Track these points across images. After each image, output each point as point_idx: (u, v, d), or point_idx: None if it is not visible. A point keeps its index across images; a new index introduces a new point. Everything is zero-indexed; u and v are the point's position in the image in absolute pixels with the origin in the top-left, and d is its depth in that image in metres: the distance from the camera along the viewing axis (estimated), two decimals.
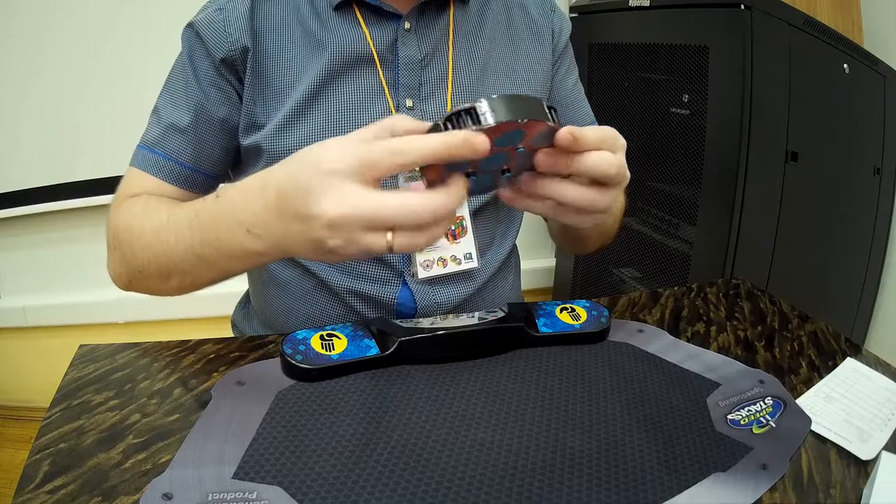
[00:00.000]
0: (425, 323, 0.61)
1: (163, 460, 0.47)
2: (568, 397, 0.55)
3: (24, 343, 1.77)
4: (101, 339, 0.65)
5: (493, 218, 0.77)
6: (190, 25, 0.67)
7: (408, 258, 0.72)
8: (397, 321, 0.61)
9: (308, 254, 0.47)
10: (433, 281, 0.73)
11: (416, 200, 0.43)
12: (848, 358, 0.64)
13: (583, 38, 1.53)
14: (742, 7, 1.12)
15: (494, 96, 0.43)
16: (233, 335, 0.86)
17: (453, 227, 0.72)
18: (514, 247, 0.84)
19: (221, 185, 0.56)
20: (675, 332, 0.68)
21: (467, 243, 0.73)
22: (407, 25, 0.68)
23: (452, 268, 0.72)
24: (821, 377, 0.61)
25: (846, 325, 1.55)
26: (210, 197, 0.54)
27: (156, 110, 0.70)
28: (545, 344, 0.62)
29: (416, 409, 0.53)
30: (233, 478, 0.44)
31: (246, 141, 0.69)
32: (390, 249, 0.44)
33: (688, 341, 0.66)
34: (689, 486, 0.46)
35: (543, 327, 0.63)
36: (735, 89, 1.15)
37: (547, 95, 0.79)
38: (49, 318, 1.73)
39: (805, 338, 0.69)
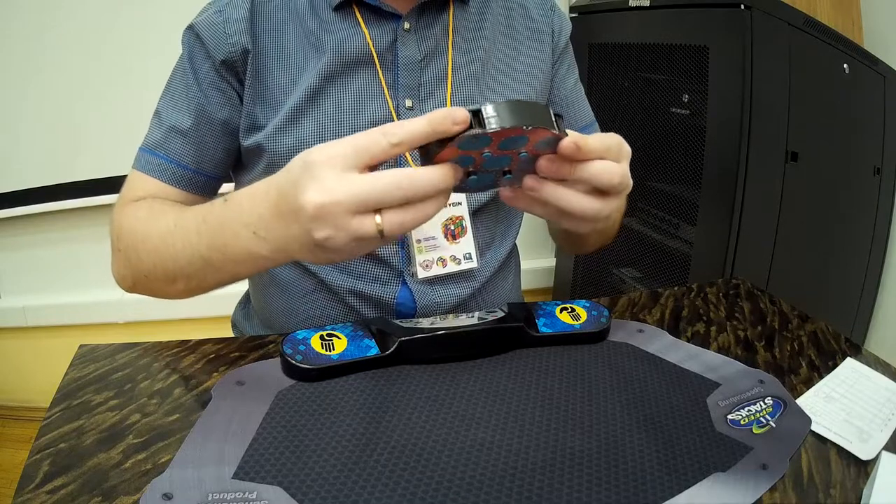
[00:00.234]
0: (425, 323, 0.61)
1: (163, 460, 0.47)
2: (568, 397, 0.55)
3: (24, 343, 1.77)
4: (101, 339, 0.65)
5: (492, 218, 0.77)
6: (190, 27, 0.68)
7: (407, 258, 0.72)
8: (397, 321, 0.61)
9: (308, 254, 0.47)
10: (433, 281, 0.73)
11: (399, 174, 0.43)
12: (848, 358, 0.64)
13: (583, 38, 1.53)
14: (742, 7, 1.12)
15: (501, 101, 0.43)
16: (233, 335, 0.86)
17: (453, 227, 0.72)
18: (514, 247, 0.84)
19: (230, 191, 0.56)
20: (675, 332, 0.68)
21: (467, 243, 0.73)
22: (406, 26, 0.68)
23: (452, 268, 0.72)
24: (821, 377, 0.61)
25: (846, 325, 1.55)
26: (218, 201, 0.54)
27: (157, 113, 0.70)
28: (545, 344, 0.62)
29: (416, 409, 0.53)
30: (233, 478, 0.44)
31: (247, 142, 0.69)
32: (381, 233, 0.44)
33: (688, 341, 0.66)
34: (689, 486, 0.46)
35: (543, 327, 0.63)
36: (735, 89, 1.15)
37: (547, 95, 0.79)
38: (49, 318, 1.73)
39: (805, 338, 0.69)
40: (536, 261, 1.95)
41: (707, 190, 1.26)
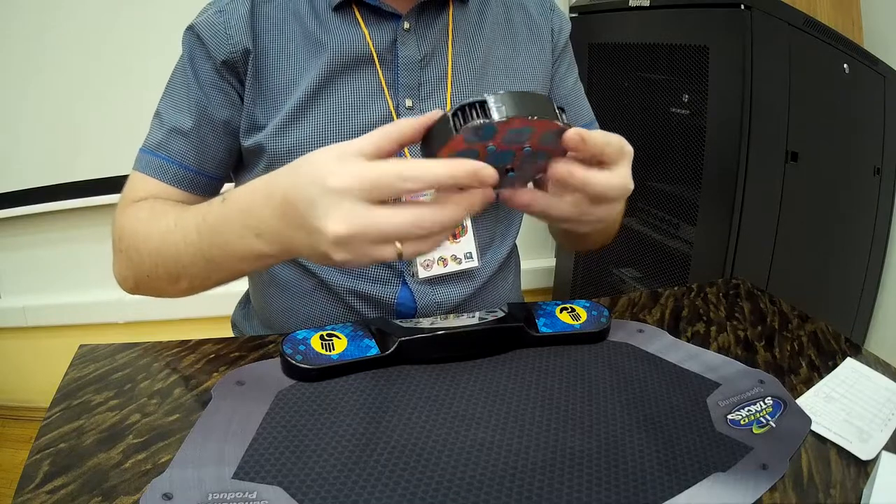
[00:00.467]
0: (425, 323, 0.61)
1: (163, 460, 0.47)
2: (568, 397, 0.55)
3: (24, 343, 1.77)
4: (101, 339, 0.65)
5: (493, 217, 0.77)
6: (190, 28, 0.68)
7: None
8: (397, 321, 0.61)
9: (312, 259, 0.48)
10: (433, 280, 0.73)
11: (426, 214, 0.43)
12: (848, 358, 0.64)
13: (583, 38, 1.53)
14: (742, 7, 1.12)
15: (502, 92, 0.43)
16: (233, 335, 0.86)
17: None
18: (514, 246, 0.84)
19: (227, 189, 0.56)
20: (675, 332, 0.68)
21: (467, 243, 0.73)
22: (406, 25, 0.68)
23: (453, 267, 0.72)
24: (821, 377, 0.61)
25: (846, 325, 1.55)
26: (216, 201, 0.54)
27: (158, 114, 0.70)
28: (545, 344, 0.62)
29: (416, 409, 0.53)
30: (233, 478, 0.44)
31: (247, 142, 0.69)
32: (400, 257, 0.45)
33: (688, 341, 0.66)
34: (689, 486, 0.46)
35: (543, 327, 0.63)
36: (735, 89, 1.15)
37: (546, 95, 0.79)
38: (49, 318, 1.73)
39: (805, 338, 0.69)
40: (536, 261, 1.96)
41: (707, 190, 1.26)
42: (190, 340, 0.64)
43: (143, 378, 0.58)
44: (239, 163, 0.74)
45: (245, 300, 0.90)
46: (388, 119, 0.69)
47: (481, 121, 0.42)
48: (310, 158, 0.46)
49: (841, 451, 0.51)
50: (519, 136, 0.45)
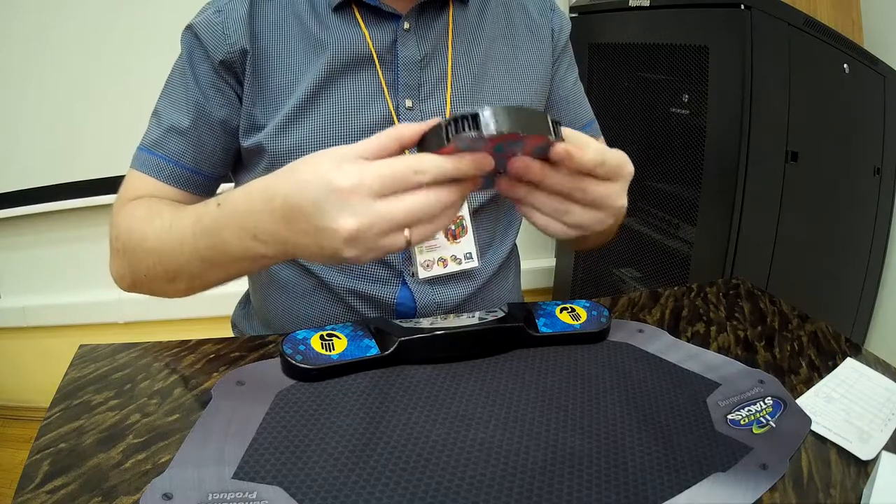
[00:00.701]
0: (425, 323, 0.61)
1: (163, 460, 0.47)
2: (568, 397, 0.55)
3: (24, 343, 1.77)
4: (101, 339, 0.65)
5: (493, 217, 0.77)
6: (189, 28, 0.68)
7: (408, 258, 0.72)
8: (397, 321, 0.61)
9: (316, 259, 0.48)
10: (433, 281, 0.73)
11: (432, 195, 0.44)
12: (848, 358, 0.64)
13: (583, 38, 1.53)
14: (742, 7, 1.12)
15: (496, 106, 0.43)
16: (233, 335, 0.86)
17: (453, 227, 0.72)
18: (514, 247, 0.84)
19: (223, 192, 0.56)
20: (675, 332, 0.68)
21: (467, 243, 0.73)
22: (406, 26, 0.68)
23: (453, 267, 0.72)
24: (821, 377, 0.61)
25: (846, 325, 1.55)
26: (211, 202, 0.54)
27: (156, 112, 0.70)
28: (545, 344, 0.62)
29: (416, 409, 0.53)
30: (233, 478, 0.44)
31: (246, 142, 0.69)
32: (408, 244, 0.46)
33: (688, 341, 0.66)
34: (689, 486, 0.46)
35: (543, 327, 0.63)
36: (735, 89, 1.15)
37: (546, 94, 0.79)
38: (49, 318, 1.73)
39: (805, 338, 0.69)
40: (536, 261, 1.96)
41: (707, 190, 1.26)
42: (190, 340, 0.64)
43: (143, 378, 0.58)
44: (238, 163, 0.74)
45: (245, 300, 0.90)
46: (388, 119, 0.69)
47: (472, 134, 0.43)
48: (309, 161, 0.46)
49: (841, 451, 0.51)
50: (510, 147, 0.45)
